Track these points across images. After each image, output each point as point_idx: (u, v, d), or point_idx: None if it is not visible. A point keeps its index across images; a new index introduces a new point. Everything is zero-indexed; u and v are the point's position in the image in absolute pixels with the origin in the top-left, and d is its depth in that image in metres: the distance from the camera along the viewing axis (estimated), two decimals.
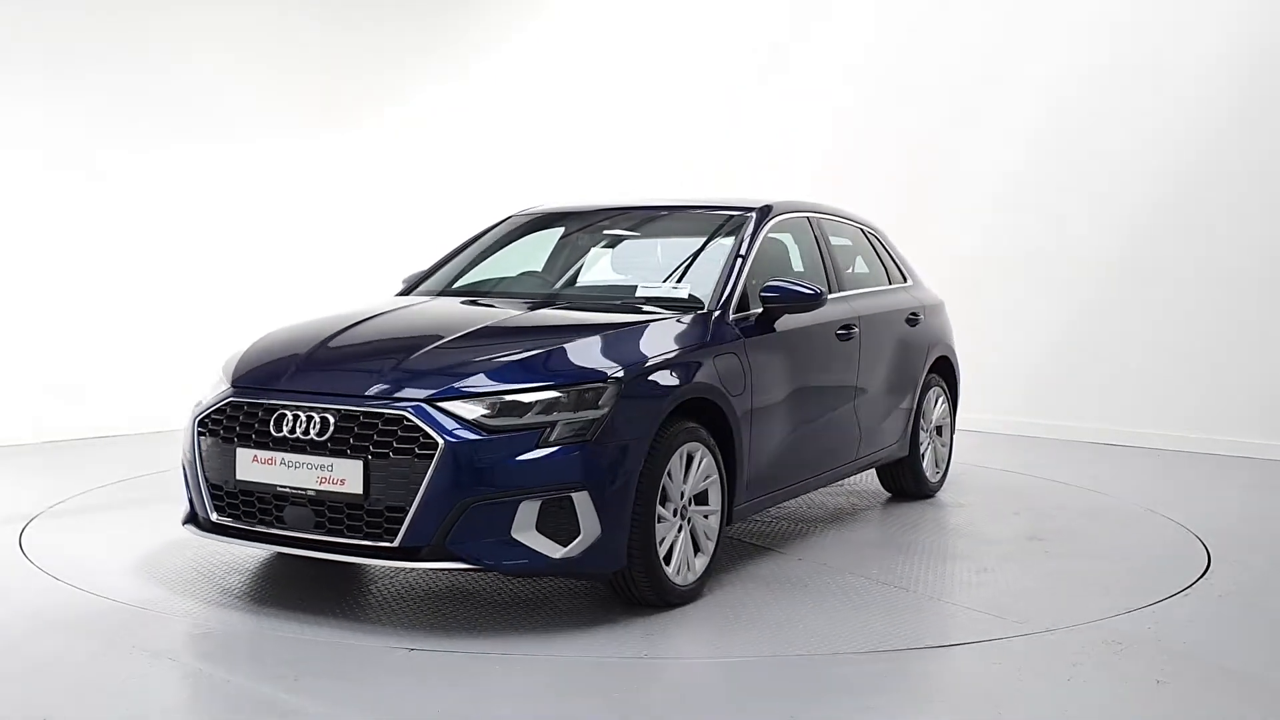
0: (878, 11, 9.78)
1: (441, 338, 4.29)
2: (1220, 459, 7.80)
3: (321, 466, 3.93)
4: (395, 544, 3.83)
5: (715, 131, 10.46)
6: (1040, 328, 8.82)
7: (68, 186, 8.07)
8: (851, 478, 6.76)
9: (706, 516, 4.38)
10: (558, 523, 3.86)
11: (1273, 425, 7.81)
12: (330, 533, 3.96)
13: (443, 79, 10.16)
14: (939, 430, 6.52)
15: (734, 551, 5.16)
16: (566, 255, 5.62)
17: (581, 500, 3.85)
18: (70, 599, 4.35)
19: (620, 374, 4.02)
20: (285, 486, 4.00)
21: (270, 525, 4.08)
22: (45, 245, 7.98)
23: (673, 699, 3.48)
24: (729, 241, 5.07)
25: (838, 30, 9.93)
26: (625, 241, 5.68)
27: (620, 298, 4.95)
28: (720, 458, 4.42)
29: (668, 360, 4.25)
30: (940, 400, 6.51)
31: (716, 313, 4.66)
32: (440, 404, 3.86)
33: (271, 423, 4.05)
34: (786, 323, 4.95)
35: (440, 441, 3.79)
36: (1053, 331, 8.79)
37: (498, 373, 3.97)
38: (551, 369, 4.03)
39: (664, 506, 4.15)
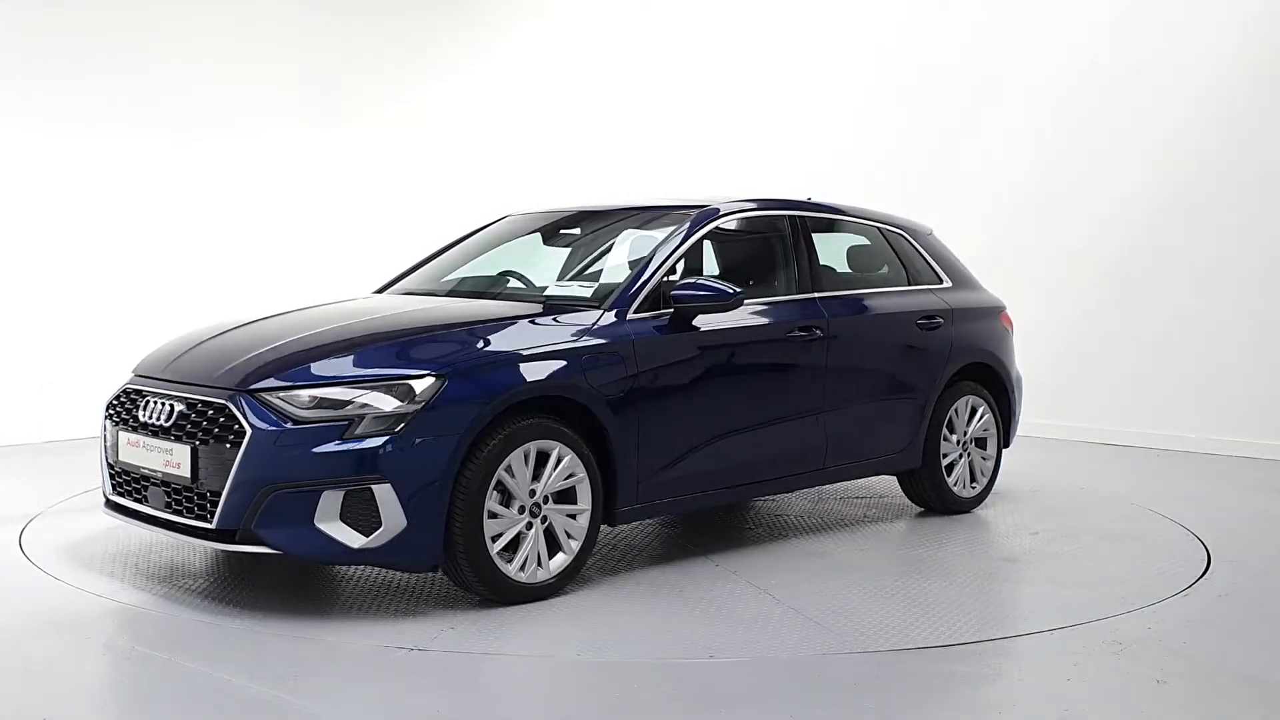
0: (885, 12, 9.76)
1: (313, 332, 4.47)
2: (1220, 459, 7.80)
3: (165, 450, 4.23)
4: (213, 526, 4.04)
5: (721, 130, 10.45)
6: (1041, 328, 8.81)
7: (68, 183, 8.07)
8: (879, 490, 6.72)
9: (574, 516, 4.39)
10: (359, 513, 3.95)
11: (1273, 425, 7.81)
12: (174, 513, 4.23)
13: (442, 77, 10.16)
14: (979, 442, 6.10)
15: (648, 551, 5.14)
16: (531, 256, 5.69)
17: (383, 492, 3.93)
18: (70, 599, 4.35)
19: (441, 370, 4.10)
20: (145, 468, 4.32)
21: (140, 503, 4.40)
22: (45, 244, 7.99)
23: (687, 698, 3.49)
24: (662, 241, 5.03)
25: (847, 30, 9.93)
26: (576, 242, 5.70)
27: (531, 297, 5.08)
28: (594, 458, 4.43)
29: (513, 357, 4.29)
30: (981, 411, 6.08)
31: (607, 311, 4.65)
32: (260, 394, 4.06)
33: (140, 409, 4.40)
34: (711, 323, 4.86)
35: (248, 430, 3.96)
36: (1053, 332, 8.78)
37: (319, 366, 4.16)
38: (372, 364, 4.18)
39: (508, 504, 4.19)
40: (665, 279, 4.85)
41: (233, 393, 4.10)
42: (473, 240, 5.92)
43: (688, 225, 5.11)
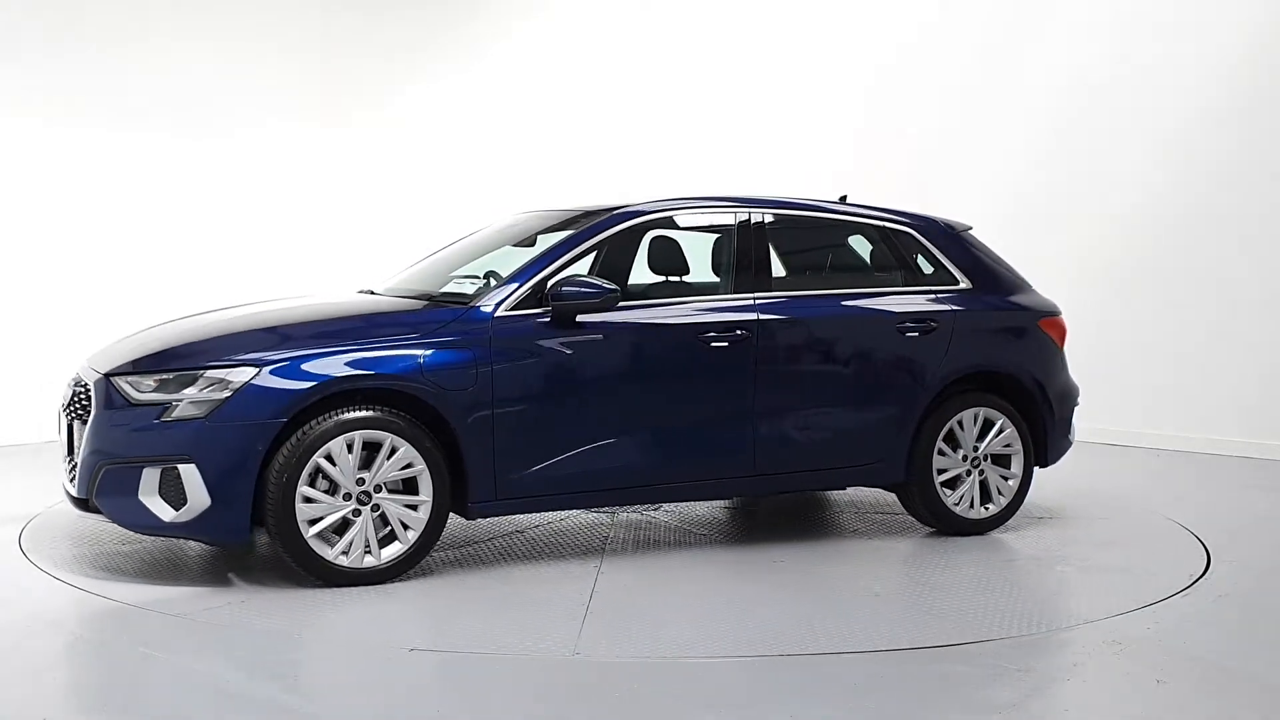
0: (888, 11, 9.75)
1: (193, 326, 4.87)
2: (1220, 459, 7.79)
3: (65, 428, 4.77)
4: (75, 494, 4.56)
5: (728, 128, 10.43)
6: None
7: (68, 183, 8.08)
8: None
9: (416, 508, 4.50)
10: (171, 489, 4.33)
11: (1273, 425, 7.81)
12: (70, 482, 4.69)
13: (440, 76, 10.14)
14: (1000, 460, 5.56)
15: (526, 548, 5.15)
16: (522, 256, 5.66)
17: (188, 472, 4.29)
18: (70, 599, 4.36)
19: (257, 362, 4.38)
20: (64, 444, 4.83)
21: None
22: (46, 244, 7.99)
23: (696, 698, 3.49)
24: (562, 241, 5.04)
25: (849, 30, 9.92)
26: (521, 243, 5.64)
27: (431, 294, 5.15)
28: (445, 451, 4.56)
29: (336, 352, 4.46)
30: (999, 425, 5.51)
31: (474, 308, 4.72)
32: (114, 379, 4.47)
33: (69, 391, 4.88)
34: (599, 322, 4.82)
35: (93, 410, 4.48)
36: None
37: (164, 355, 4.52)
38: (199, 354, 4.50)
39: (335, 490, 4.40)
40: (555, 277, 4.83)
41: (99, 377, 4.52)
42: (474, 239, 5.88)
43: (593, 226, 5.10)
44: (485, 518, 4.89)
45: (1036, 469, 5.74)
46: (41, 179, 7.97)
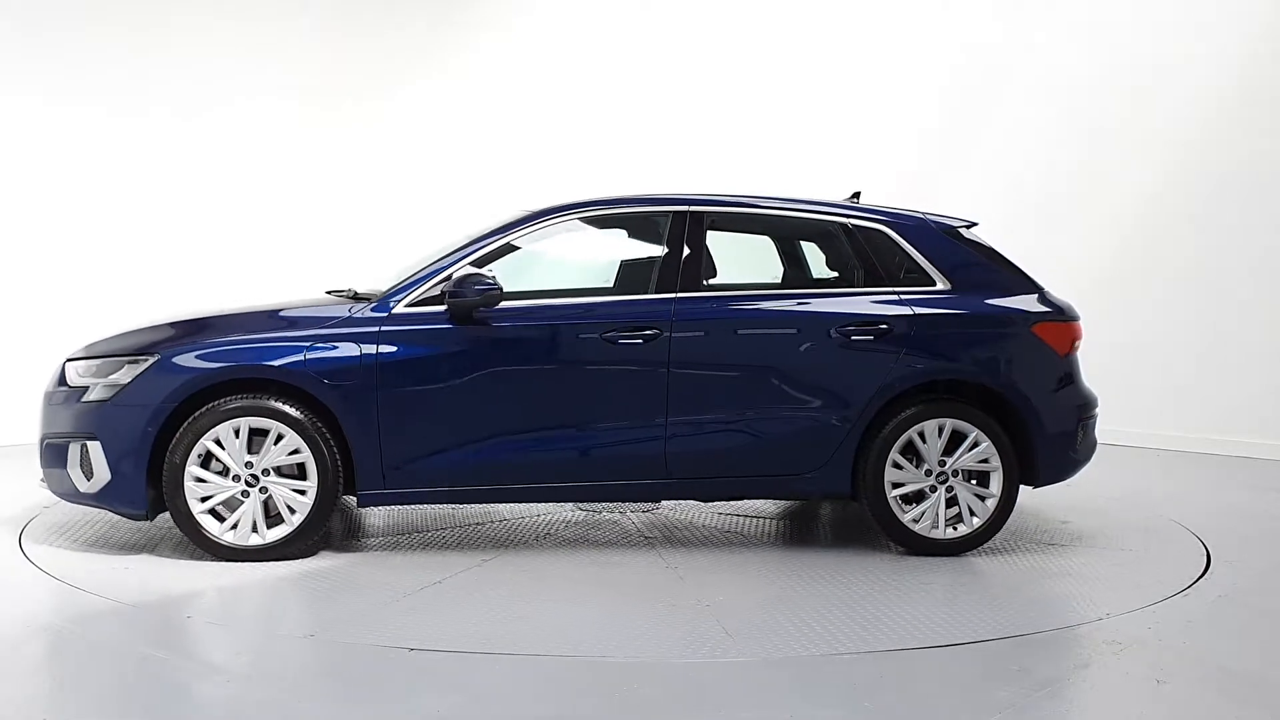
0: (890, 10, 9.76)
1: (165, 318, 5.20)
2: (1220, 459, 7.80)
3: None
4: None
5: (728, 126, 10.43)
6: None
7: (69, 182, 8.09)
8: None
9: (303, 492, 4.78)
10: (85, 463, 4.82)
11: (1273, 425, 7.81)
12: None
13: (437, 73, 10.13)
14: (976, 477, 5.14)
15: (450, 538, 5.22)
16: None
17: (94, 448, 4.78)
18: (70, 599, 4.36)
19: (157, 353, 4.80)
20: None
21: None
22: (46, 243, 8.00)
23: (691, 699, 3.49)
24: (476, 239, 5.12)
25: (848, 28, 9.92)
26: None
27: (356, 292, 5.26)
28: (325, 439, 4.79)
29: (229, 344, 4.82)
30: (973, 438, 5.06)
31: (371, 305, 4.93)
32: (67, 363, 5.00)
33: None
34: (497, 319, 4.89)
35: (46, 390, 5.03)
36: None
37: (103, 345, 4.98)
38: (117, 344, 4.95)
39: (224, 473, 4.76)
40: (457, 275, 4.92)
41: (62, 362, 5.02)
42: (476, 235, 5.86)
43: (505, 225, 5.14)
44: (375, 506, 5.11)
45: (1028, 489, 5.29)
46: (39, 180, 7.97)
